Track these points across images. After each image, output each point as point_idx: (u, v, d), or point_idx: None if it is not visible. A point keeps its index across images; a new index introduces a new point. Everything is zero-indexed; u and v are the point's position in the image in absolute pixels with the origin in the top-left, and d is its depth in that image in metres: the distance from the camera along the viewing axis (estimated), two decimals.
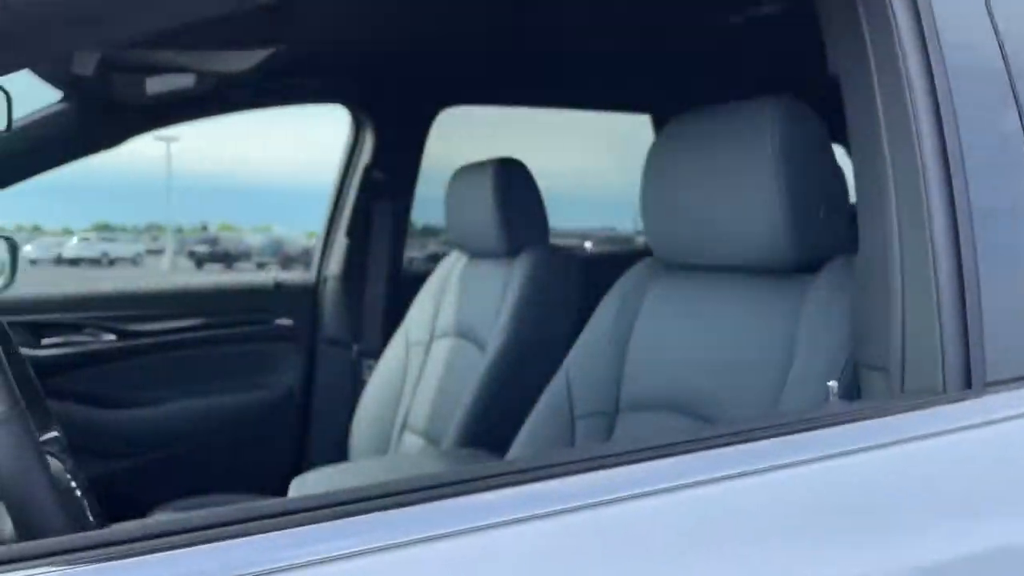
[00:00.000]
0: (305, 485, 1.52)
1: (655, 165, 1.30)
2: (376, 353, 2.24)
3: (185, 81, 1.82)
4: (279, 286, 2.31)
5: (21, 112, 1.77)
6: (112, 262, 27.73)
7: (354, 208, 2.29)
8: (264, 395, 2.24)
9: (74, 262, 27.04)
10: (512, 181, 1.94)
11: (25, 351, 1.94)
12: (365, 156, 2.26)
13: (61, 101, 1.79)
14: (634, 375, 1.34)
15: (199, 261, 25.88)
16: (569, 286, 1.92)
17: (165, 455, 2.07)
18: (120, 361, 2.07)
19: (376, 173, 2.25)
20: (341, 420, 2.25)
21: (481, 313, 1.97)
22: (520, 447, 1.40)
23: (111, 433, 2.02)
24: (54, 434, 1.03)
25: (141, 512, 1.77)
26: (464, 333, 2.03)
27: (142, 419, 2.07)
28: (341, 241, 2.31)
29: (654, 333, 1.34)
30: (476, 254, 2.09)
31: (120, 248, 29.33)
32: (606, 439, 1.35)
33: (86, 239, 30.56)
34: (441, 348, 2.09)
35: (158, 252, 31.34)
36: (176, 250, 30.47)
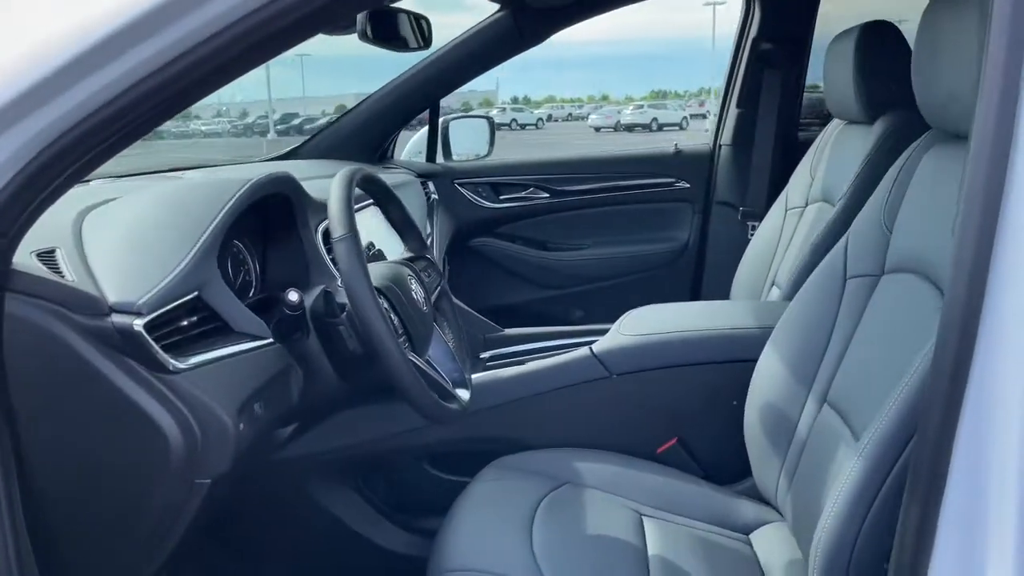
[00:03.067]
0: (630, 316, 1.89)
1: (926, 31, 1.29)
2: (759, 216, 2.44)
3: None
4: (679, 153, 2.64)
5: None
6: (660, 127, 30.22)
7: (744, 80, 2.46)
8: (664, 246, 2.64)
9: (629, 128, 30.09)
10: (876, 46, 1.92)
11: (488, 204, 2.65)
12: (755, 29, 2.39)
13: (499, 11, 2.34)
14: (899, 239, 1.40)
15: None
16: None
17: (582, 289, 2.63)
18: (552, 214, 2.66)
19: (765, 45, 2.37)
20: (727, 273, 2.53)
21: (841, 178, 2.04)
22: (798, 299, 1.57)
23: (544, 268, 2.64)
24: (427, 255, 1.58)
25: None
26: (827, 197, 2.12)
27: (565, 260, 2.65)
28: (734, 111, 2.51)
29: (920, 201, 1.37)
30: (847, 121, 2.12)
31: (668, 114, 31.67)
32: (867, 299, 1.44)
33: (640, 107, 33.45)
34: (810, 212, 2.21)
35: (702, 116, 32.95)
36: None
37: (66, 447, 1.01)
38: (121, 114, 0.88)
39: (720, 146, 2.60)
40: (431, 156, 2.66)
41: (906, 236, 1.38)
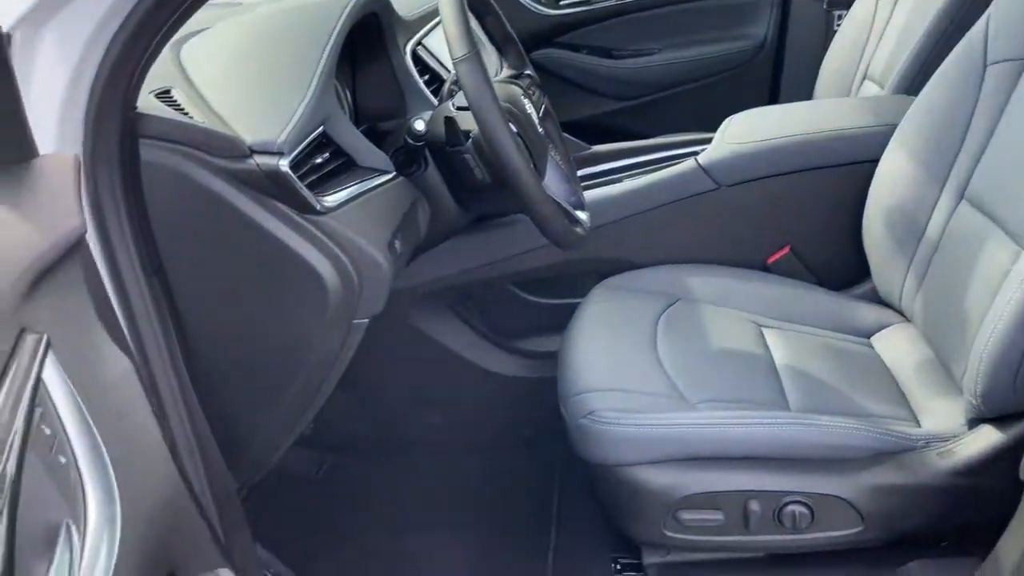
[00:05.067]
0: (733, 121, 1.79)
1: None
2: (847, 4, 2.26)
3: None
4: None
5: None
6: None
7: None
8: (740, 44, 2.48)
9: None
10: None
11: (547, 11, 2.48)
12: None
13: None
14: None
15: None
16: None
17: (654, 98, 2.50)
18: (616, 18, 2.47)
19: None
20: (810, 71, 2.38)
21: None
22: (927, 91, 1.47)
23: (611, 79, 2.50)
24: (528, 72, 1.47)
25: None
26: None
27: (634, 67, 2.50)
28: None
29: None
30: None
31: None
32: (1012, 86, 1.34)
33: None
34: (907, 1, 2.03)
35: None
36: None
37: (220, 299, 0.98)
38: None
39: None
40: None
41: None
